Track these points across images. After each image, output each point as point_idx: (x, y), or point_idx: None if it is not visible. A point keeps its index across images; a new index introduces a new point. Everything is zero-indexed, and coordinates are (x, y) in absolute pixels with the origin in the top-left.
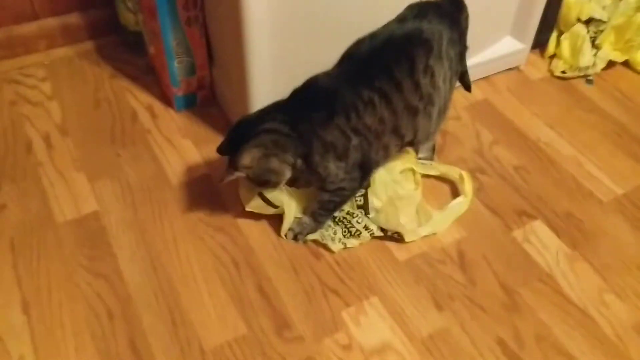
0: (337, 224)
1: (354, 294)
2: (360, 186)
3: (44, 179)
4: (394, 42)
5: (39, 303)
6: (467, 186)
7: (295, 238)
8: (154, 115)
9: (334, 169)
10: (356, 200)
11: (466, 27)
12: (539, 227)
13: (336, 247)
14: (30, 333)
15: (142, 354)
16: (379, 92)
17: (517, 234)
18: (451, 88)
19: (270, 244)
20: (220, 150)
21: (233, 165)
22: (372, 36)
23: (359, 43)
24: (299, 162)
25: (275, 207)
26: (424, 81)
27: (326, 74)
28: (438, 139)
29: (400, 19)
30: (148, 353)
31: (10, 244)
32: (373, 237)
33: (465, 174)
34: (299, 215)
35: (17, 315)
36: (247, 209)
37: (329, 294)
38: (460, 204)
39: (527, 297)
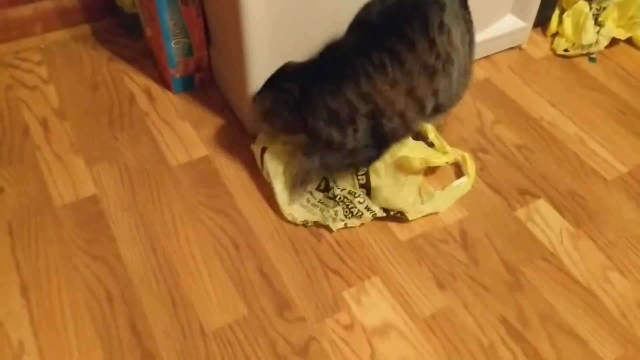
0: (338, 204)
1: (355, 274)
2: (378, 156)
3: (41, 162)
4: (405, 2)
5: (38, 287)
6: (470, 167)
7: (303, 182)
8: (151, 98)
9: (338, 136)
10: (358, 179)
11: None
12: (542, 205)
13: (336, 225)
14: (29, 317)
15: (143, 336)
16: (390, 52)
17: (520, 212)
18: (470, 54)
19: (270, 226)
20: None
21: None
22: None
23: (368, 7)
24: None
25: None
26: (440, 39)
27: (339, 41)
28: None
29: None
30: (149, 335)
31: (8, 228)
32: (375, 217)
33: (467, 155)
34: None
35: (16, 299)
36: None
37: (330, 275)
38: (462, 184)
39: (531, 276)
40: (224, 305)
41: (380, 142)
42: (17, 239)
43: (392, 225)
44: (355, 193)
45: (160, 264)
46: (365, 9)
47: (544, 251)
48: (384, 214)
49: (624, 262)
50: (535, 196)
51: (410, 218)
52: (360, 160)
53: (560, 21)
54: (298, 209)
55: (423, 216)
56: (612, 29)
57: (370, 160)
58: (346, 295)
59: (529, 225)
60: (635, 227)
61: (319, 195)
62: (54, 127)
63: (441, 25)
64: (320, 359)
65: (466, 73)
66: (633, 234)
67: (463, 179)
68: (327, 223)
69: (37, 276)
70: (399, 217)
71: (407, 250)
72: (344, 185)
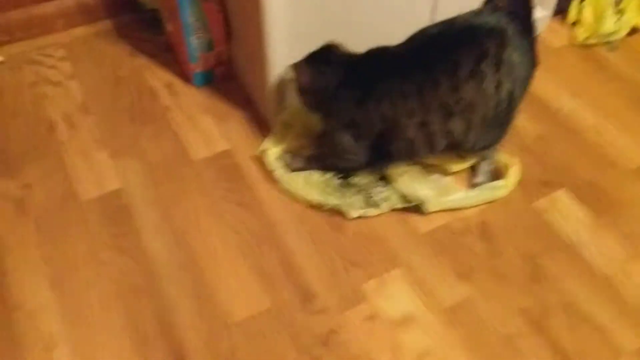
0: (358, 193)
1: (375, 266)
2: (367, 167)
3: (66, 158)
4: (449, 35)
5: (67, 280)
6: (514, 175)
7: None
8: (173, 93)
9: (346, 142)
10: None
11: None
12: (561, 196)
13: (353, 213)
14: (58, 310)
15: (169, 329)
16: (417, 85)
17: (540, 203)
18: (510, 104)
19: (291, 219)
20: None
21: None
22: (444, 22)
23: (428, 27)
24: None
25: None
26: (467, 85)
27: (387, 51)
28: (501, 162)
29: (479, 12)
30: (175, 328)
31: (36, 224)
32: (394, 209)
33: (517, 162)
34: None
35: (45, 292)
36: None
37: (351, 267)
38: (499, 188)
39: (550, 267)
40: (248, 297)
41: (380, 156)
42: (45, 234)
43: (412, 218)
44: (374, 183)
45: (184, 257)
46: (424, 29)
47: (563, 242)
48: (403, 205)
49: None
50: (555, 187)
51: (431, 209)
52: (347, 166)
53: (580, 10)
54: (315, 191)
55: (444, 210)
56: (633, 16)
57: (355, 168)
58: (367, 287)
59: (549, 216)
60: None
61: (338, 182)
62: (78, 123)
63: (474, 71)
64: (342, 350)
65: (498, 122)
66: None
67: (500, 182)
68: (344, 210)
69: (65, 270)
70: (419, 208)
71: (427, 242)
72: (364, 175)
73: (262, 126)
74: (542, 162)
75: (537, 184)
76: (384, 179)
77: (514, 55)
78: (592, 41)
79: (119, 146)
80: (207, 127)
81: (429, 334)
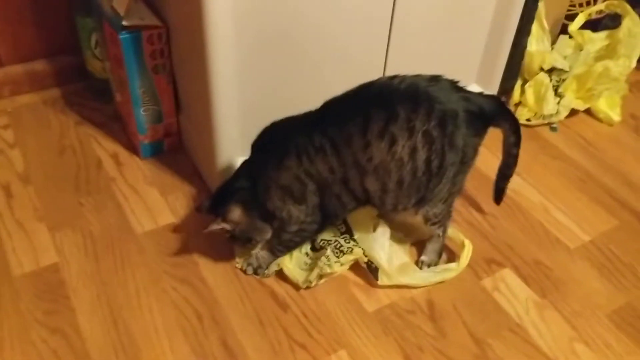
0: (326, 248)
1: (322, 347)
2: (321, 230)
3: (1, 230)
4: (366, 94)
5: None
6: (466, 256)
7: (255, 272)
8: (119, 163)
9: (295, 212)
10: (339, 228)
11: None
12: (508, 275)
13: (334, 268)
14: None
15: None
16: (331, 140)
17: (487, 282)
18: (432, 176)
19: (236, 296)
20: (201, 209)
21: (222, 218)
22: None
23: (334, 99)
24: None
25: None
26: (378, 144)
27: (284, 120)
28: (452, 240)
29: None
30: None
31: None
32: (364, 254)
33: (468, 243)
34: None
35: None
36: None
37: (297, 348)
38: (449, 271)
39: (498, 348)
40: None
41: (325, 217)
42: None
43: (360, 295)
44: (339, 235)
45: (121, 336)
46: (330, 100)
47: (510, 322)
48: (365, 260)
49: (589, 333)
50: (501, 265)
51: (382, 282)
52: (306, 236)
53: (523, 91)
54: (301, 274)
55: (393, 286)
56: (572, 99)
57: (314, 234)
58: None
59: (496, 295)
60: (599, 296)
61: (312, 254)
62: (17, 192)
63: (383, 132)
64: None
65: (418, 188)
66: (597, 304)
67: (452, 265)
68: (325, 271)
69: None
70: (374, 270)
71: (375, 321)
72: (327, 235)
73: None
74: (489, 240)
75: (484, 261)
76: (346, 233)
77: (437, 129)
78: (534, 122)
79: (60, 217)
80: (152, 199)
81: None
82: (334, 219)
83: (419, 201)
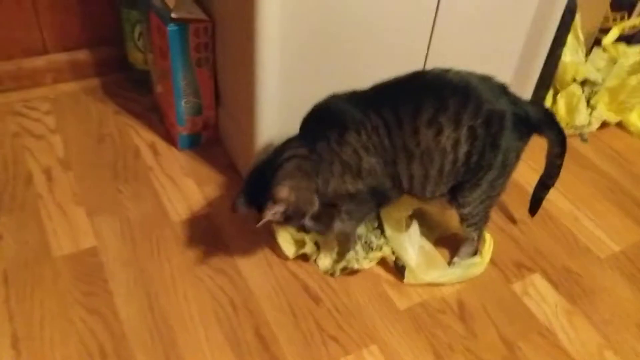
0: (357, 244)
1: (353, 341)
2: (375, 211)
3: (42, 211)
4: (420, 82)
5: (30, 338)
6: (487, 250)
7: (344, 269)
8: (156, 153)
9: (351, 189)
10: (372, 223)
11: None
12: (537, 280)
13: (363, 263)
14: None
15: None
16: (384, 121)
17: (517, 286)
18: (470, 167)
19: (270, 287)
20: (237, 207)
21: (273, 201)
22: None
23: (385, 83)
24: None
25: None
26: (425, 131)
27: (336, 97)
28: (479, 240)
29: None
30: None
31: (4, 277)
32: (392, 252)
33: (489, 238)
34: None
35: (5, 350)
36: (291, 257)
37: (328, 341)
38: (474, 265)
39: (527, 351)
40: None
41: (378, 200)
42: (12, 288)
43: (391, 293)
44: (370, 231)
45: (156, 321)
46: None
47: (539, 326)
48: (393, 258)
49: (618, 341)
50: (531, 270)
51: (408, 281)
52: (360, 218)
53: (555, 101)
54: (330, 263)
55: (421, 284)
56: (604, 111)
57: (367, 216)
58: None
59: (525, 299)
60: (629, 305)
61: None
62: (58, 177)
63: (432, 120)
64: None
65: (454, 178)
66: (627, 313)
67: (476, 259)
68: (353, 266)
69: (30, 327)
70: (401, 269)
71: (406, 318)
72: (359, 229)
73: None
74: (520, 245)
75: (515, 266)
76: (378, 229)
77: (483, 126)
78: (566, 132)
79: (98, 203)
80: (189, 190)
81: None
82: (387, 201)
83: (455, 188)
